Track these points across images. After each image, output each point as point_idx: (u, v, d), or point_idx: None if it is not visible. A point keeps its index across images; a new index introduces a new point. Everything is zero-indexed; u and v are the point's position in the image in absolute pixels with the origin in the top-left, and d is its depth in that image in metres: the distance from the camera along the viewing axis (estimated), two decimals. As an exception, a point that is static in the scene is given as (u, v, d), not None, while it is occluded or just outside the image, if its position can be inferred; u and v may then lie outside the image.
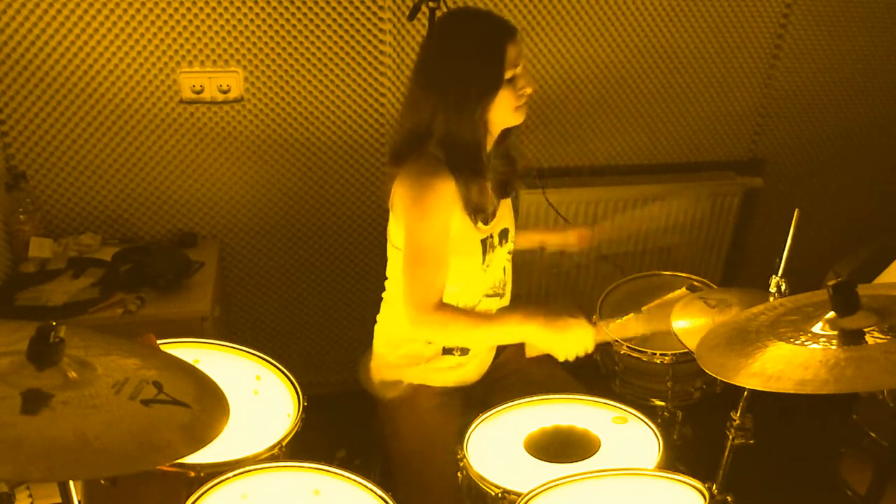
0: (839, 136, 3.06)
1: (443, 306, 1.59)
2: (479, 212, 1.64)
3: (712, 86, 2.78)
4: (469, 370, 1.81)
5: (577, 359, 1.62)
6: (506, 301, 1.84)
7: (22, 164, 2.23)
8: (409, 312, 1.58)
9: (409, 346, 1.76)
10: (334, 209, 2.56)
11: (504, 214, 1.76)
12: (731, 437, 1.70)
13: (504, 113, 1.59)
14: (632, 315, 2.04)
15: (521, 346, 1.71)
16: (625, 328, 1.75)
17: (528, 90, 1.58)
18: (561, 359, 1.61)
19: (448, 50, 1.58)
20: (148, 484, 1.41)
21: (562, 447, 1.53)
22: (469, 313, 1.68)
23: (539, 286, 2.79)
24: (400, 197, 1.60)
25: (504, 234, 1.75)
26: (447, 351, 1.75)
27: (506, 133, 1.70)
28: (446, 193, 1.57)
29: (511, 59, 1.54)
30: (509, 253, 1.80)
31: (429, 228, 1.57)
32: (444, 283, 1.60)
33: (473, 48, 1.54)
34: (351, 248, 2.64)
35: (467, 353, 1.77)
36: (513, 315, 1.63)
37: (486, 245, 1.68)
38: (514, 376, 1.85)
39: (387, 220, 1.72)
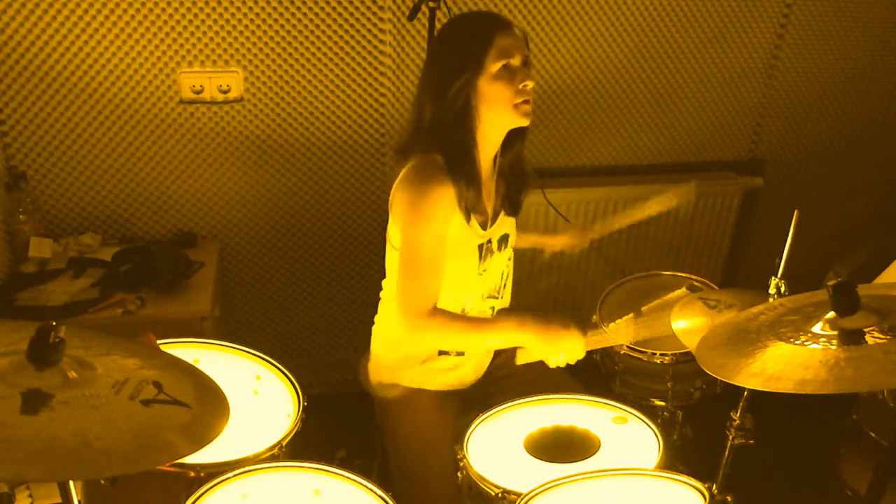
0: (839, 136, 3.06)
1: (436, 312, 1.58)
2: (474, 213, 1.63)
3: (712, 86, 2.78)
4: (466, 372, 1.81)
5: (570, 365, 1.63)
6: (504, 303, 1.83)
7: (22, 164, 2.23)
8: (402, 318, 1.58)
9: (406, 347, 1.76)
10: (334, 209, 2.56)
11: (506, 220, 1.75)
12: (731, 437, 1.70)
13: (499, 108, 1.55)
14: (631, 315, 2.04)
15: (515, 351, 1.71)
16: (618, 333, 1.74)
17: (529, 84, 1.54)
18: (552, 366, 1.62)
19: (438, 44, 1.63)
20: (148, 484, 1.41)
21: (562, 447, 1.53)
22: (462, 318, 1.67)
23: (545, 291, 2.79)
24: (399, 200, 1.60)
25: (504, 240, 1.74)
26: (443, 352, 1.75)
27: (513, 138, 1.67)
28: (445, 199, 1.55)
29: (502, 46, 1.52)
30: (509, 259, 1.80)
31: (426, 235, 1.56)
32: (439, 289, 1.60)
33: (460, 36, 1.57)
34: (351, 248, 2.64)
35: (463, 354, 1.77)
36: (506, 321, 1.63)
37: (482, 250, 1.67)
38: (515, 378, 1.85)
39: (387, 219, 1.71)
